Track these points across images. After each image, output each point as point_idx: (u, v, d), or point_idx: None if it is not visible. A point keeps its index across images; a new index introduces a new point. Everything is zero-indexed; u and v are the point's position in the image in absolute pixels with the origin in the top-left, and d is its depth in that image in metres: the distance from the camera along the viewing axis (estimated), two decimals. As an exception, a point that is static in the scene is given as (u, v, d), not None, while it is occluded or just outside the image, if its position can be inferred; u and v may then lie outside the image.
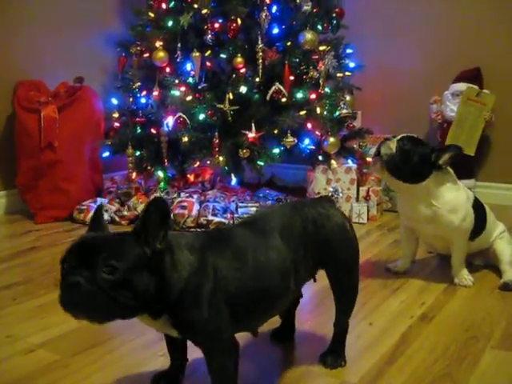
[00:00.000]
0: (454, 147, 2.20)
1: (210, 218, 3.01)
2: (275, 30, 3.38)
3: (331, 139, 3.30)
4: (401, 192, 2.31)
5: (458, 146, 2.22)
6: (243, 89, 3.24)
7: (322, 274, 1.61)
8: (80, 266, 1.15)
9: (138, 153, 3.46)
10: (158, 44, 3.37)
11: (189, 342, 1.42)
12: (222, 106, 3.20)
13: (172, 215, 3.02)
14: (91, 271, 1.14)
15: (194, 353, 1.57)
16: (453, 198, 2.22)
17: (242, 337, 1.36)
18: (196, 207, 3.09)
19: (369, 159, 3.57)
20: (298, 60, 3.38)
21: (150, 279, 1.19)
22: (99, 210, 1.33)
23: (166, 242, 1.23)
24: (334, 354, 1.65)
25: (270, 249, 1.40)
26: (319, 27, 3.45)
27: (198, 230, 2.96)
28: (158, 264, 1.21)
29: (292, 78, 3.29)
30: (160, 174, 3.43)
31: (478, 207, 2.34)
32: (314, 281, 1.63)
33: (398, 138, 2.19)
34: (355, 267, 1.62)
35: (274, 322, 1.77)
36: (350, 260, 1.60)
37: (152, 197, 3.12)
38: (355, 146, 3.52)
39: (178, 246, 1.28)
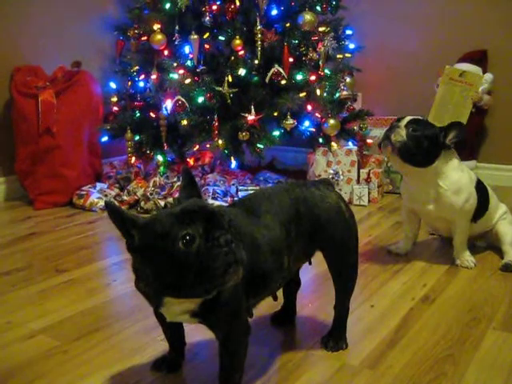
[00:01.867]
0: (457, 125, 2.17)
1: (211, 201, 2.99)
2: (274, 12, 3.35)
3: (331, 121, 3.28)
4: (409, 175, 2.27)
5: (461, 123, 2.19)
6: (242, 71, 3.21)
7: (322, 258, 1.59)
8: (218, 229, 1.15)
9: (137, 137, 3.43)
10: (156, 27, 3.33)
11: (186, 327, 1.41)
12: (220, 89, 3.18)
13: (172, 199, 3.01)
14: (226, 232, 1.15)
15: (194, 337, 1.57)
16: (457, 179, 2.21)
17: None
18: (196, 191, 3.07)
19: (369, 141, 3.55)
20: (297, 41, 3.35)
21: None
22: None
23: None
24: (335, 337, 1.64)
25: (262, 227, 1.40)
26: (318, 8, 3.41)
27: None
28: None
29: (291, 59, 3.26)
30: (159, 158, 3.41)
31: (481, 189, 2.33)
32: (310, 264, 1.62)
33: (405, 123, 2.16)
34: (353, 249, 1.60)
35: (275, 305, 1.77)
36: (346, 242, 1.57)
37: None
38: (355, 128, 3.50)
39: None
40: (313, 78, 3.30)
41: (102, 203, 3.12)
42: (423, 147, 2.13)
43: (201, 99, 3.21)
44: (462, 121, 3.28)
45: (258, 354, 1.60)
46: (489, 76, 3.53)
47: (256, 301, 1.45)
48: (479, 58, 3.59)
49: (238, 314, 1.31)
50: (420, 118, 2.22)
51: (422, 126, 2.15)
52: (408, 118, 2.18)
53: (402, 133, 2.14)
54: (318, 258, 1.60)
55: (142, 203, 3.08)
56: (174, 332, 1.51)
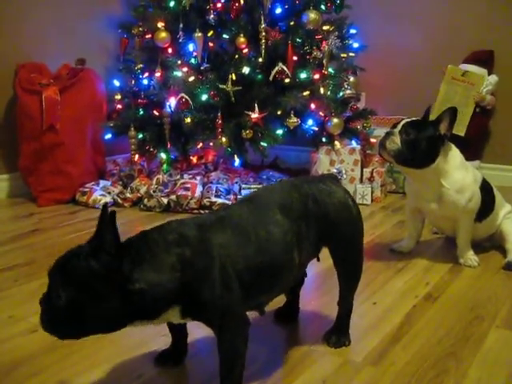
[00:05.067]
0: (446, 111, 2.13)
1: (213, 199, 2.99)
2: (278, 10, 3.36)
3: (335, 120, 3.28)
4: (412, 176, 2.27)
5: (452, 107, 2.14)
6: (246, 69, 3.21)
7: (326, 255, 1.59)
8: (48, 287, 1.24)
9: (140, 135, 3.44)
10: (160, 25, 3.34)
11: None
12: (224, 87, 3.18)
13: (175, 197, 3.01)
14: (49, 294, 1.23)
15: (198, 333, 1.57)
16: (460, 178, 2.20)
17: (244, 315, 1.35)
18: (199, 189, 3.08)
19: (373, 140, 3.55)
20: (301, 40, 3.36)
21: (109, 294, 1.18)
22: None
23: (128, 249, 1.20)
24: (337, 333, 1.64)
25: (269, 224, 1.38)
26: (322, 7, 3.42)
27: (201, 211, 2.95)
28: (122, 273, 1.18)
29: (295, 58, 3.27)
30: (163, 155, 3.42)
31: (486, 188, 2.32)
32: (318, 260, 1.61)
33: (400, 127, 2.15)
34: (359, 245, 1.60)
35: (278, 301, 1.76)
36: (353, 238, 1.57)
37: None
38: (359, 127, 3.49)
39: (158, 244, 1.22)
40: (317, 76, 3.30)
41: (104, 200, 3.13)
42: (420, 149, 2.12)
43: (204, 97, 3.22)
44: (465, 120, 3.28)
45: (261, 350, 1.60)
46: (493, 77, 3.53)
47: (268, 298, 1.44)
48: (485, 59, 3.58)
49: (229, 309, 1.28)
50: (415, 119, 2.20)
51: (416, 129, 2.13)
52: (403, 122, 2.17)
53: (396, 140, 2.13)
54: (322, 254, 1.60)
55: (145, 200, 3.08)
56: (176, 325, 1.51)
